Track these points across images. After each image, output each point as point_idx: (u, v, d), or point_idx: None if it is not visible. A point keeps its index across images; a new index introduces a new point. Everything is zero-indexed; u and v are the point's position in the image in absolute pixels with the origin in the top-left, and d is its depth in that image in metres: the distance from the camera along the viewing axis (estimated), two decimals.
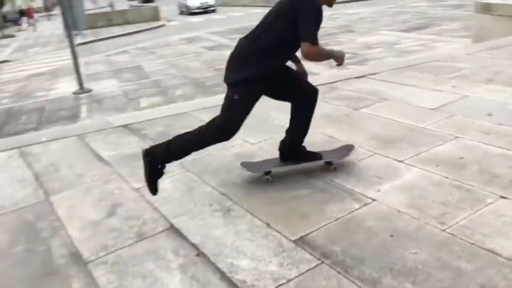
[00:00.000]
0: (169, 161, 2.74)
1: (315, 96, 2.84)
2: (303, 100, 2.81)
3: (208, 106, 4.57)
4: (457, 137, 3.27)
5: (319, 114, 4.03)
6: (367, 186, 2.73)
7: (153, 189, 2.72)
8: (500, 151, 2.99)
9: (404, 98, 4.26)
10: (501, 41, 6.04)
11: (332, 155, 3.04)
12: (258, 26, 2.64)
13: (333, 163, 2.97)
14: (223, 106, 2.65)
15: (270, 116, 4.05)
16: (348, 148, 3.08)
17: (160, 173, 2.72)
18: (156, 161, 2.68)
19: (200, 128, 2.70)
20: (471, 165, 2.85)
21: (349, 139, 3.43)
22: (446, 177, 2.73)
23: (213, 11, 28.11)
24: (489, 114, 3.63)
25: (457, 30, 11.13)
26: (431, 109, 3.90)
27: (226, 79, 2.66)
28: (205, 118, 3.09)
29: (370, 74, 5.23)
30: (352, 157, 3.06)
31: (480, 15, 8.03)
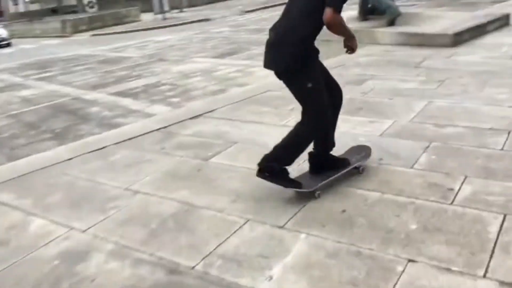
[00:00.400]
0: (285, 165, 2.75)
1: (341, 94, 2.90)
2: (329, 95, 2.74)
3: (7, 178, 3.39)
4: None
5: (162, 172, 3.30)
6: (254, 274, 2.11)
7: (297, 184, 2.72)
8: (377, 195, 2.72)
9: (254, 139, 3.82)
10: None
11: (355, 158, 2.99)
12: (286, 11, 2.68)
13: (359, 167, 2.96)
14: (303, 99, 2.68)
15: (100, 183, 3.13)
16: (363, 148, 3.14)
17: (284, 173, 2.73)
18: (273, 172, 2.71)
19: (297, 130, 2.76)
20: (357, 219, 2.49)
21: (210, 203, 2.78)
22: (339, 242, 2.30)
23: (8, 45, 23.63)
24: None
25: None
26: None
27: (281, 68, 2.66)
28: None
29: (206, 112, 4.69)
30: (223, 230, 2.42)
31: None
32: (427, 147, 3.31)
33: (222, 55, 12.21)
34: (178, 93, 8.19)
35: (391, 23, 7.14)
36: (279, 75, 2.72)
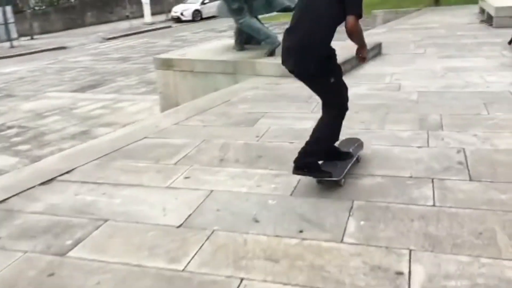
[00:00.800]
0: (320, 159, 3.00)
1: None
2: None
3: None
4: (242, 279, 2.13)
5: None
6: None
7: (329, 174, 2.91)
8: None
9: (131, 212, 2.86)
10: (202, 103, 5.45)
11: (352, 150, 3.26)
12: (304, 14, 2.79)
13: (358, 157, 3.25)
14: (328, 92, 2.94)
15: None
16: (352, 140, 3.46)
17: (318, 165, 2.94)
18: (310, 167, 2.91)
19: (324, 122, 2.98)
20: None
21: None
22: None
23: None
24: (256, 220, 2.67)
25: (136, 86, 10.52)
26: (177, 226, 2.65)
27: (305, 70, 2.83)
28: None
29: (63, 174, 3.56)
30: None
31: (162, 71, 7.47)
32: (351, 208, 2.72)
33: (82, 89, 10.78)
34: (28, 139, 6.76)
35: (271, 53, 6.72)
36: (303, 77, 2.94)
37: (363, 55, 2.98)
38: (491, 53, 6.85)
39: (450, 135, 3.71)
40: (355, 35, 2.73)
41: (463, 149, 3.42)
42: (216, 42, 9.38)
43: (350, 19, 2.62)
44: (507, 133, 3.66)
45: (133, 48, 18.36)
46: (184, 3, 28.33)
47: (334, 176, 2.92)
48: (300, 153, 2.93)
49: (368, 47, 3.28)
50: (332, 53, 2.83)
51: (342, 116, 3.01)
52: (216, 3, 29.51)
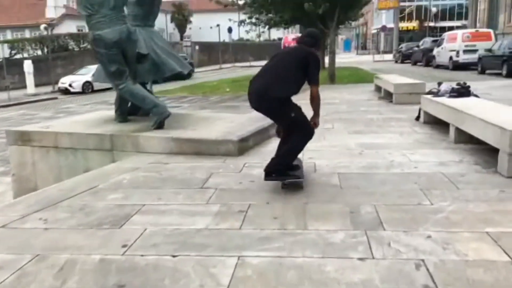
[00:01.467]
0: (287, 169, 3.76)
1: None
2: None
3: None
4: None
5: None
6: None
7: (297, 176, 3.76)
8: None
9: None
10: (55, 192, 3.93)
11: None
12: (276, 66, 3.74)
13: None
14: (292, 124, 3.73)
15: None
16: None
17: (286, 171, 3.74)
18: (279, 172, 3.70)
19: (293, 140, 3.74)
20: None
21: None
22: None
23: None
24: None
25: None
26: None
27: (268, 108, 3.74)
28: None
29: None
30: None
31: (18, 147, 5.81)
32: None
33: None
34: None
35: (160, 125, 5.51)
36: (269, 114, 3.84)
37: (316, 122, 3.86)
38: (402, 128, 6.36)
39: (397, 238, 2.68)
40: (316, 101, 3.73)
41: (423, 261, 2.38)
42: (92, 113, 7.93)
43: (314, 88, 3.67)
44: (468, 234, 2.73)
45: (7, 120, 15.96)
46: (74, 74, 26.47)
47: (301, 178, 3.76)
48: (270, 162, 3.72)
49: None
50: (289, 98, 3.67)
51: (307, 139, 3.77)
52: None
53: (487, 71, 17.89)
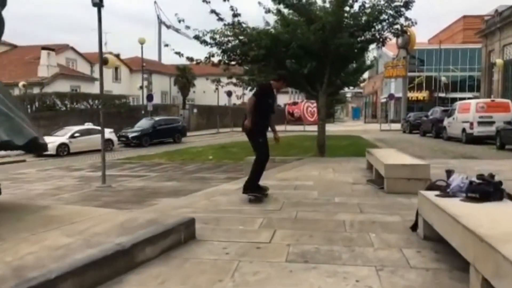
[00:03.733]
0: (256, 186, 6.12)
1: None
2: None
3: None
4: None
5: None
6: None
7: (265, 190, 6.25)
8: None
9: None
10: None
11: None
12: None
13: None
14: (256, 147, 6.04)
15: None
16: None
17: (257, 188, 6.11)
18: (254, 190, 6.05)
19: (254, 165, 6.08)
20: None
21: None
22: None
23: None
24: None
25: None
26: None
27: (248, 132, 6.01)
28: None
29: None
30: None
31: None
32: None
33: None
34: None
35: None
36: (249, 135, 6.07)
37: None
38: (384, 254, 3.65)
39: None
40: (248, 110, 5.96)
41: None
42: None
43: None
44: None
45: None
46: (51, 135, 24.43)
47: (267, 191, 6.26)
48: (244, 184, 6.12)
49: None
50: (262, 129, 6.08)
51: (265, 162, 6.13)
52: (88, 137, 25.50)
53: (507, 146, 15.30)
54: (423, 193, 4.12)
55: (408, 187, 6.39)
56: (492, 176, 4.00)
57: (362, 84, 37.41)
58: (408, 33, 36.16)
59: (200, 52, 13.72)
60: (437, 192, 4.06)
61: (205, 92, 48.24)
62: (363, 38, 12.19)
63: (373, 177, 7.84)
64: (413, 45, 39.13)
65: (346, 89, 30.17)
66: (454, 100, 61.47)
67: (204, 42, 12.26)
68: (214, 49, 12.43)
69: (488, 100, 20.12)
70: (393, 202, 5.79)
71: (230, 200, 6.11)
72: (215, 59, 12.48)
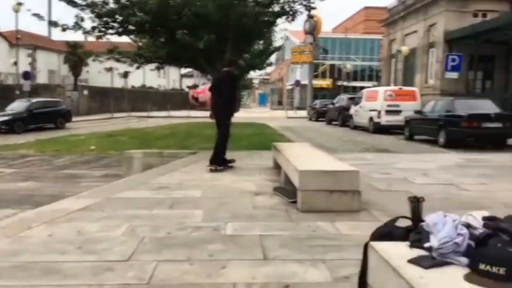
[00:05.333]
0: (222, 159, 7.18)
1: None
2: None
3: None
4: None
5: None
6: None
7: (232, 161, 7.43)
8: None
9: None
10: None
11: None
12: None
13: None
14: (222, 126, 7.11)
15: None
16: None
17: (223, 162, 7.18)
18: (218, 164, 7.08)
19: (217, 139, 7.16)
20: None
21: None
22: None
23: None
24: None
25: None
26: None
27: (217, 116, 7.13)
28: None
29: None
30: None
31: None
32: None
33: None
34: None
35: None
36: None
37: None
38: None
39: None
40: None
41: None
42: None
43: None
44: None
45: None
46: None
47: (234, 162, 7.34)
48: (210, 159, 7.02)
49: None
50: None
51: (227, 139, 7.17)
52: None
53: (416, 137, 14.56)
54: (377, 249, 2.17)
55: (331, 202, 4.55)
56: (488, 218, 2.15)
57: (269, 69, 36.25)
58: (315, 18, 35.44)
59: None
60: (405, 249, 2.14)
61: (100, 73, 43.70)
62: (270, 9, 10.27)
63: (282, 182, 5.93)
64: (319, 31, 38.70)
65: (252, 73, 28.54)
66: (356, 88, 63.51)
67: (71, 3, 9.48)
68: (88, 13, 9.70)
69: (396, 88, 19.55)
70: (313, 232, 3.86)
71: (49, 240, 3.64)
72: (87, 25, 9.75)
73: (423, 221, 2.43)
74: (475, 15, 25.53)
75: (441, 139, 12.27)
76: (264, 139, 13.13)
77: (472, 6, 25.43)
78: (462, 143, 11.93)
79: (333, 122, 24.06)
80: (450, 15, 25.56)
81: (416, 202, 2.51)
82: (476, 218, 2.21)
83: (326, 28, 63.86)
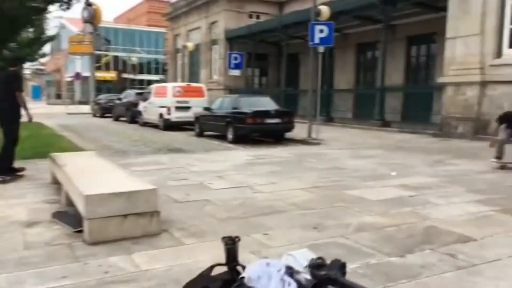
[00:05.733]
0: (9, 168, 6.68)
1: None
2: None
3: None
4: None
5: None
6: None
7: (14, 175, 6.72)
8: None
9: None
10: None
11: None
12: None
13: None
14: (6, 132, 6.61)
15: None
16: None
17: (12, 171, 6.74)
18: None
19: (2, 150, 6.65)
20: None
21: None
22: None
23: None
24: None
25: None
26: None
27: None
28: None
29: None
30: None
31: None
32: None
33: None
34: None
35: None
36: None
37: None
38: None
39: None
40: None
41: None
42: None
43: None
44: None
45: None
46: None
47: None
48: None
49: None
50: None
51: (14, 145, 6.69)
52: None
53: (206, 133, 14.81)
54: None
55: (126, 229, 3.90)
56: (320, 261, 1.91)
57: (43, 60, 32.20)
58: (94, 6, 33.03)
59: None
60: None
61: None
62: None
63: (63, 203, 4.94)
64: (99, 20, 36.17)
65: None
66: (143, 82, 62.33)
67: None
68: None
69: (184, 84, 19.54)
70: (105, 274, 3.15)
71: None
72: None
73: (240, 265, 2.08)
74: (250, 16, 27.70)
75: (230, 135, 12.70)
76: (39, 143, 11.34)
77: (247, 7, 27.47)
78: (249, 138, 12.58)
79: (121, 119, 22.83)
80: (229, 14, 27.09)
81: (231, 244, 2.11)
82: (297, 259, 1.95)
83: (108, 18, 60.82)
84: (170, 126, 17.13)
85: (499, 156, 7.72)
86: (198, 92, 17.82)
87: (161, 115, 17.50)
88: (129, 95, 23.22)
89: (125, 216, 3.92)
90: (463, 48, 12.94)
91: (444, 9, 14.39)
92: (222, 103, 13.90)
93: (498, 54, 12.31)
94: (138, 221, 3.97)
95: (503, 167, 7.63)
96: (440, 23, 15.12)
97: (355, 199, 5.43)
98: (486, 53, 12.45)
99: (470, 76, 12.61)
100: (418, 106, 17.57)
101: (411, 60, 19.63)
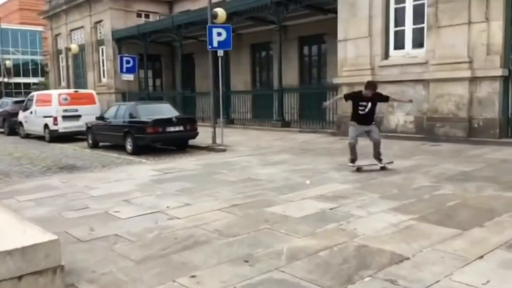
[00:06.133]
0: None
1: None
2: None
3: None
4: None
5: None
6: None
7: None
8: None
9: None
10: None
11: None
12: None
13: None
14: None
15: None
16: None
17: None
18: None
19: None
20: None
21: None
22: None
23: None
24: None
25: None
26: None
27: None
28: None
29: None
30: None
31: None
32: None
33: None
34: None
35: None
36: None
37: None
38: None
39: None
40: None
41: None
42: None
43: None
44: None
45: None
46: None
47: None
48: None
49: None
50: None
51: None
52: None
53: (102, 144, 13.67)
54: None
55: None
56: None
57: None
58: None
59: None
60: None
61: None
62: None
63: None
64: None
65: None
66: (20, 85, 56.56)
67: None
68: None
69: (72, 91, 17.81)
70: None
71: None
72: None
73: None
74: (139, 15, 26.40)
75: (129, 146, 11.81)
76: None
77: (135, 6, 26.13)
78: (150, 148, 11.82)
79: None
80: (115, 13, 25.50)
81: None
82: None
83: None
84: (57, 137, 15.59)
85: (353, 159, 7.97)
86: (88, 99, 16.45)
87: (46, 126, 15.83)
88: (6, 104, 20.76)
89: (19, 278, 3.19)
90: (354, 50, 13.55)
91: (332, 11, 14.97)
92: (118, 111, 12.89)
93: (386, 55, 13.09)
94: (38, 281, 3.26)
95: (359, 169, 7.88)
96: (329, 24, 15.75)
97: (279, 217, 5.19)
98: (375, 54, 13.17)
99: (362, 77, 13.21)
100: (314, 105, 18.17)
101: (304, 60, 20.24)
